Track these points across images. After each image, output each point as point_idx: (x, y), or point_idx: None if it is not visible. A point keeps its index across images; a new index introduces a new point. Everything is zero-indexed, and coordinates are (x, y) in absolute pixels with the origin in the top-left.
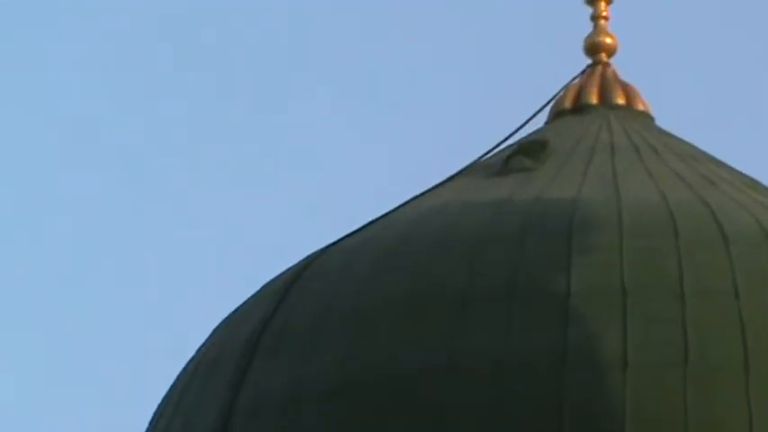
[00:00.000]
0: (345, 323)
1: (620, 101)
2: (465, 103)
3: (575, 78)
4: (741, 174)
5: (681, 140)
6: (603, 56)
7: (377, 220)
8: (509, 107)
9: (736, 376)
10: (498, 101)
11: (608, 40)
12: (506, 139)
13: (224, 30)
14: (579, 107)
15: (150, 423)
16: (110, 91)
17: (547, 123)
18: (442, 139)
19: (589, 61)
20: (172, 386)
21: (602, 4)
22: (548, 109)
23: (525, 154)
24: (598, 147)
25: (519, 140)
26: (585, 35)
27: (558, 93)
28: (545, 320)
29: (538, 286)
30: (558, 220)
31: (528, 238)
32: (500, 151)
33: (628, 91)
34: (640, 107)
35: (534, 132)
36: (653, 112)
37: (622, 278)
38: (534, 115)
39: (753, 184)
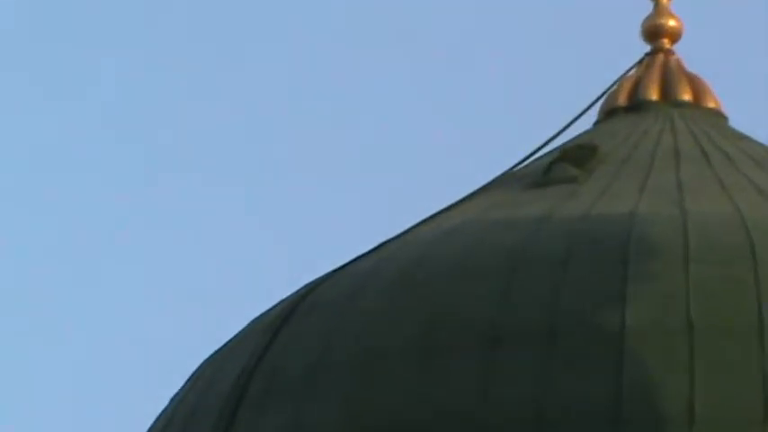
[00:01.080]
0: (349, 366)
1: (686, 96)
2: (500, 100)
3: (631, 69)
4: None
5: (759, 144)
6: (666, 42)
7: (390, 240)
8: (552, 105)
9: None
10: (540, 97)
11: (671, 23)
12: (548, 142)
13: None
14: (636, 104)
15: None
16: None
17: (597, 124)
18: (471, 144)
19: (648, 48)
20: None
21: None
22: (598, 106)
23: (570, 161)
24: (659, 152)
25: (563, 145)
26: (644, 17)
27: (611, 87)
28: (593, 364)
29: (585, 322)
30: (610, 242)
31: (573, 263)
32: (540, 158)
33: (695, 84)
34: (710, 104)
35: (581, 135)
36: (725, 111)
37: (689, 312)
38: (581, 114)
39: None
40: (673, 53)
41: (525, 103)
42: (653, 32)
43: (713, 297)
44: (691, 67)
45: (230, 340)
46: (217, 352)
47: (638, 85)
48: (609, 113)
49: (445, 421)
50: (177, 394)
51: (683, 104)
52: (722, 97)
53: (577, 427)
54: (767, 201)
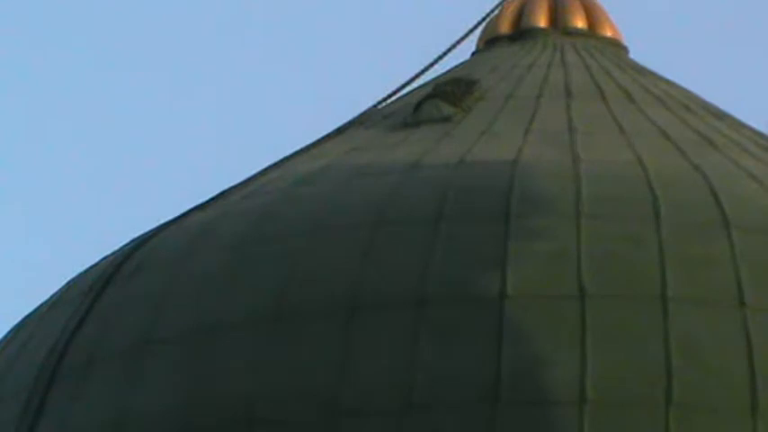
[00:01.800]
0: (182, 340)
1: (580, 24)
2: (364, 26)
3: None
4: (752, 130)
5: (666, 82)
6: None
7: (232, 189)
8: (424, 32)
9: (741, 417)
10: (409, 23)
11: None
12: (418, 75)
13: None
14: (521, 32)
15: None
16: None
17: (475, 55)
18: (329, 78)
19: None
20: None
21: None
22: (477, 34)
23: (444, 97)
24: (547, 88)
25: (436, 79)
26: None
27: (492, 12)
28: (469, 337)
29: (458, 287)
30: (488, 193)
31: (446, 219)
32: (410, 94)
33: (590, 10)
34: (608, 33)
35: (457, 68)
36: (625, 41)
37: (580, 278)
38: (457, 43)
39: (767, 142)
40: None
41: (393, 31)
42: None
43: (609, 259)
44: None
45: (39, 307)
46: (22, 323)
47: (523, 10)
48: (489, 43)
49: (296, 404)
50: None
51: (575, 33)
52: (621, 26)
53: (450, 409)
54: (673, 147)
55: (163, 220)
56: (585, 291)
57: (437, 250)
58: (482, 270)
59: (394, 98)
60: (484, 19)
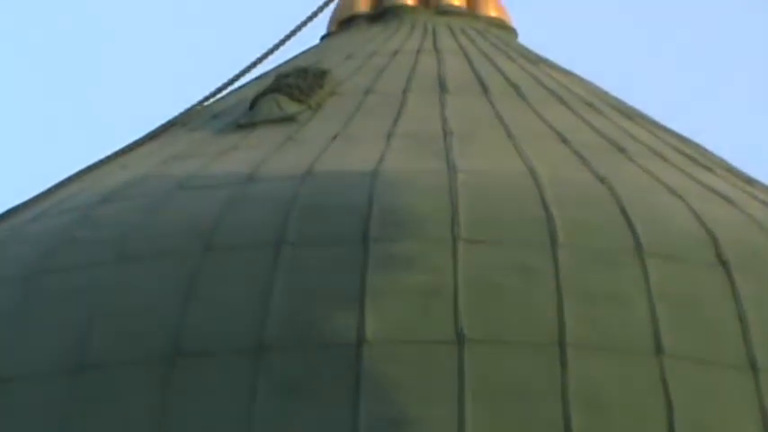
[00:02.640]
0: None
1: (457, 1)
2: (181, 3)
3: None
4: (671, 133)
5: (565, 73)
6: None
7: (17, 208)
8: (263, 11)
9: None
10: (239, 1)
11: None
12: (253, 65)
13: None
14: (383, 11)
15: None
16: None
17: (326, 39)
18: (140, 68)
19: None
20: None
21: None
22: (327, 13)
23: (286, 92)
24: (416, 81)
25: (276, 69)
26: None
27: None
28: (319, 393)
29: (305, 332)
30: (342, 212)
31: (287, 246)
32: (243, 88)
33: None
34: (491, 12)
35: (303, 55)
36: (514, 22)
37: (457, 318)
38: (303, 25)
39: (690, 149)
40: None
41: (222, 10)
42: None
43: (494, 295)
44: None
45: None
46: None
47: None
48: (344, 24)
49: None
50: None
51: (451, 11)
52: (508, 3)
53: None
54: (573, 154)
55: None
56: (464, 335)
57: (278, 283)
58: (334, 308)
59: (224, 93)
60: None
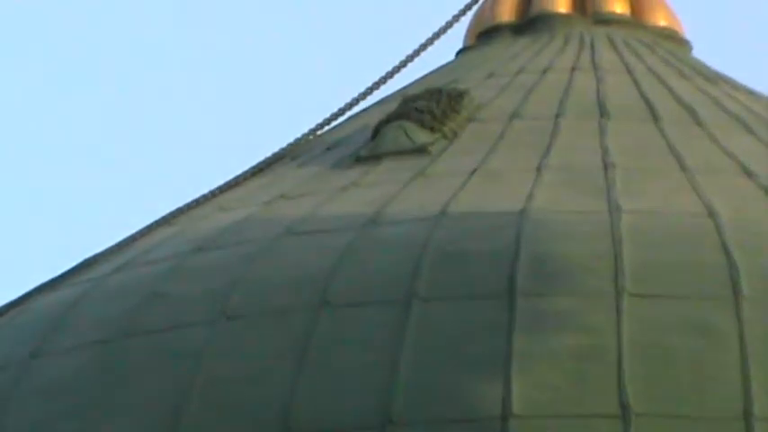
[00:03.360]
0: None
1: (619, 7)
2: (293, 17)
3: None
4: None
5: (749, 93)
6: None
7: (98, 257)
8: (384, 24)
9: None
10: (361, 12)
11: None
12: (375, 86)
13: None
14: (530, 20)
15: None
16: None
17: (462, 53)
18: (243, 92)
19: None
20: None
21: None
22: (465, 24)
23: (415, 118)
24: (571, 104)
25: (403, 90)
26: None
27: None
28: None
29: (440, 405)
30: (483, 261)
31: (418, 300)
32: (361, 114)
33: None
34: (660, 21)
35: (436, 73)
36: (687, 33)
37: (622, 389)
38: (435, 38)
39: None
40: None
41: (340, 23)
42: None
43: (666, 359)
44: None
45: None
46: None
47: None
48: (484, 36)
49: None
50: None
51: (612, 20)
52: (680, 11)
53: None
54: (760, 190)
55: None
56: (629, 408)
57: (407, 347)
58: (474, 376)
59: (340, 120)
60: (473, 1)
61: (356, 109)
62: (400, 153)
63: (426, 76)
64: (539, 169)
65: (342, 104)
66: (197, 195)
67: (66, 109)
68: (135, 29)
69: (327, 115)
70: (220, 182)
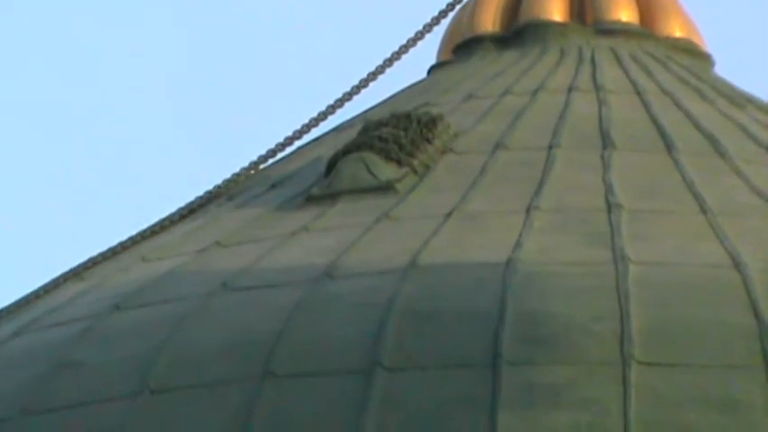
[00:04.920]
0: None
1: (624, 15)
2: (241, 25)
3: None
4: None
5: None
6: None
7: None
8: (344, 34)
9: None
10: (318, 23)
11: None
12: (329, 112)
13: None
14: (517, 30)
15: None
16: None
17: (435, 70)
18: (176, 119)
19: None
20: None
21: None
22: (438, 33)
23: (379, 148)
24: (567, 130)
25: (365, 114)
26: None
27: None
28: None
29: None
30: (462, 323)
31: (381, 371)
32: (313, 143)
33: None
34: (676, 32)
35: (403, 93)
36: (708, 46)
37: None
38: (403, 51)
39: None
40: None
41: (292, 34)
42: None
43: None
44: None
45: None
46: None
47: None
48: (461, 50)
49: None
50: None
51: (617, 30)
52: (700, 21)
53: None
54: None
55: None
56: None
57: (368, 427)
58: None
59: (287, 151)
60: (450, 6)
61: (307, 137)
62: (360, 191)
63: (392, 97)
64: (528, 211)
65: (290, 132)
66: (114, 243)
67: None
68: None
69: (272, 145)
70: (143, 226)
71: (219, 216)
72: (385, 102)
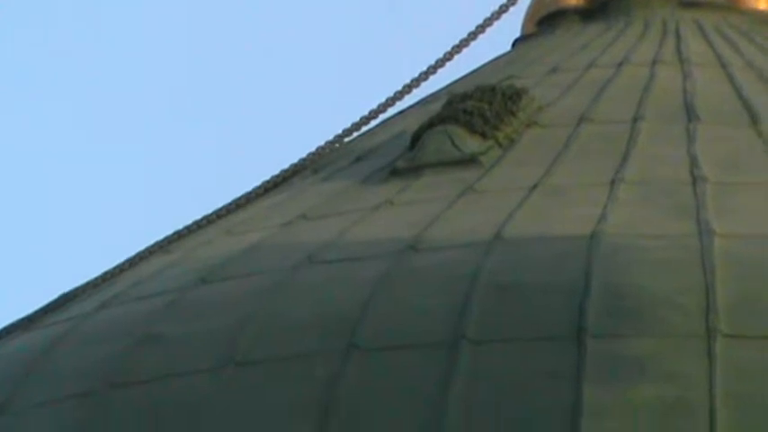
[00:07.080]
0: None
1: None
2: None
3: None
4: None
5: None
6: None
7: (78, 291)
8: (426, 10)
9: None
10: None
11: None
12: (412, 85)
13: None
14: (602, 3)
15: None
16: None
17: (519, 43)
18: (260, 95)
19: None
20: None
21: None
22: (521, 9)
23: (464, 121)
24: (652, 103)
25: (448, 88)
26: None
27: None
28: None
29: None
30: (546, 296)
31: (468, 344)
32: (396, 117)
33: None
34: (760, 3)
35: (487, 67)
36: None
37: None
38: (487, 24)
39: None
40: None
41: (371, 6)
42: None
43: (766, 414)
44: None
45: None
46: None
47: None
48: (545, 23)
49: None
50: None
51: (702, 3)
52: None
53: None
54: None
55: None
56: None
57: (453, 397)
58: (540, 429)
59: (371, 125)
60: None
61: (391, 111)
62: (445, 164)
63: (477, 70)
64: (613, 184)
65: (374, 105)
66: (199, 216)
67: (40, 122)
68: (140, 30)
69: (357, 119)
70: (227, 200)
71: (304, 189)
72: (470, 75)
